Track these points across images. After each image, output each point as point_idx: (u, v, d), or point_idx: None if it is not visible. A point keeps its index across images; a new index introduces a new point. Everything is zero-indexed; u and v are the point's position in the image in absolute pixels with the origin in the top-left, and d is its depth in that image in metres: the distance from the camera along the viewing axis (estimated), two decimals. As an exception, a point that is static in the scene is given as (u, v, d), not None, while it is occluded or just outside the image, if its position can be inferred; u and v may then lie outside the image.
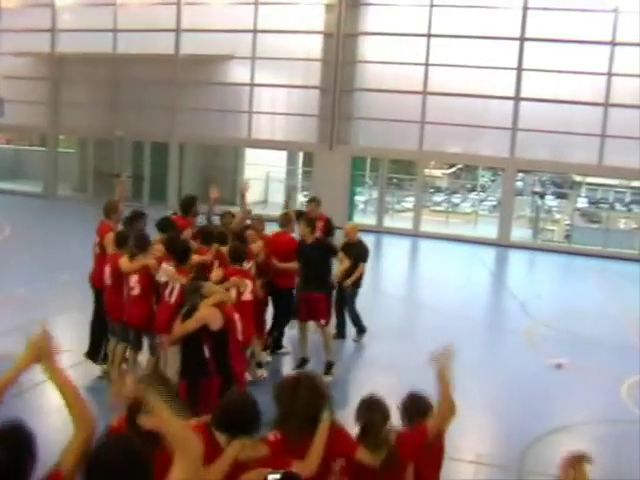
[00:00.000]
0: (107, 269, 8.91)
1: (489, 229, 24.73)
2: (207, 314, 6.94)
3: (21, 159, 33.93)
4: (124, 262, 8.62)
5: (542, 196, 30.97)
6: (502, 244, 22.88)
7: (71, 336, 10.23)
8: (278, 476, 3.61)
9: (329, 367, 9.87)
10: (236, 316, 7.36)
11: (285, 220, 10.58)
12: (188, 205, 10.71)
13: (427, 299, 15.73)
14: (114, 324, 9.09)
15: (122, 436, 3.38)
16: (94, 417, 3.30)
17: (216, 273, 8.67)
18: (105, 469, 2.83)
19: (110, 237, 9.13)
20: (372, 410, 4.69)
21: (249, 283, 8.71)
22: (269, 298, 10.34)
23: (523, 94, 22.64)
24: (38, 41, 27.67)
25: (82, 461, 3.05)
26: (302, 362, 10.06)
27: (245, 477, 3.88)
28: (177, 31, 26.19)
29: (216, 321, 6.94)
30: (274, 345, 10.82)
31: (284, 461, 4.13)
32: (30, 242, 10.49)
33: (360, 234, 11.76)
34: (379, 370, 10.32)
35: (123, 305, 8.78)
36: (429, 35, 23.38)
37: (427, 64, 23.49)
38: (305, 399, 4.33)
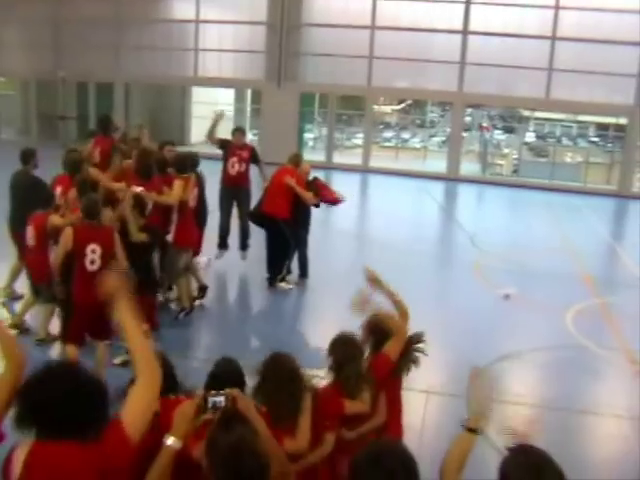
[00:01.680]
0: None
1: (438, 164, 24.87)
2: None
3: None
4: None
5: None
6: (451, 178, 23.06)
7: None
8: (220, 399, 3.55)
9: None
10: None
11: None
12: (107, 123, 11.06)
13: (377, 234, 15.83)
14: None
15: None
16: (159, 370, 3.10)
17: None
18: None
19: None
20: (347, 345, 4.76)
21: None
22: None
23: (471, 28, 22.60)
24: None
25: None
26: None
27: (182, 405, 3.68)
28: (118, -34, 25.44)
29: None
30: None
31: (274, 434, 4.08)
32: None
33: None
34: (328, 308, 10.43)
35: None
36: (376, -32, 23.08)
37: (375, -2, 23.24)
38: (288, 375, 4.28)
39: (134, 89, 26.77)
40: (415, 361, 5.05)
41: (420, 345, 5.06)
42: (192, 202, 9.47)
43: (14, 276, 9.76)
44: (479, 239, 14.99)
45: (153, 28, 25.71)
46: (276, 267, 11.14)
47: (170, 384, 3.99)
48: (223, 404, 3.41)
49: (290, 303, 11.03)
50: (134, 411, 2.93)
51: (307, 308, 11.16)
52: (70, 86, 26.61)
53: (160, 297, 9.59)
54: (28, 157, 9.67)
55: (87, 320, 7.12)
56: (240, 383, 3.99)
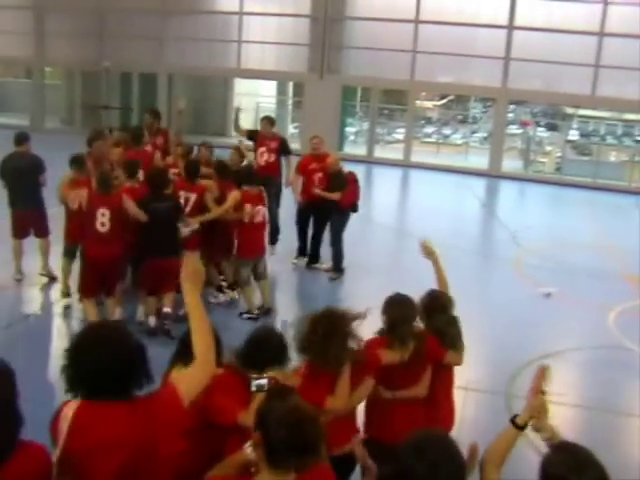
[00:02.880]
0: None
1: (480, 160, 24.63)
2: None
3: (6, 92, 33.35)
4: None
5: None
6: (493, 175, 22.82)
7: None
8: (264, 381, 3.60)
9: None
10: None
11: None
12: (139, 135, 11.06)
13: (417, 228, 15.68)
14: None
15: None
16: (214, 356, 3.23)
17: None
18: None
19: None
20: (403, 305, 4.83)
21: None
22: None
23: (517, 23, 22.30)
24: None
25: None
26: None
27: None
28: (164, -42, 25.58)
29: None
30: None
31: (316, 394, 4.09)
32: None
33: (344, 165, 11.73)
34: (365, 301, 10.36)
35: None
36: (421, -38, 22.90)
37: (419, -9, 23.06)
38: (340, 330, 4.30)
39: (177, 79, 26.91)
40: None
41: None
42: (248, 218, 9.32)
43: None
44: (520, 236, 14.83)
45: (197, 19, 25.79)
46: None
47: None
48: (266, 387, 3.51)
49: (328, 292, 11.00)
50: (187, 385, 3.07)
51: (346, 298, 11.10)
52: (114, 76, 26.83)
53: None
54: (21, 140, 10.34)
55: (96, 276, 8.41)
56: (280, 350, 3.99)
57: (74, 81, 28.63)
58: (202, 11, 25.79)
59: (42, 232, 10.35)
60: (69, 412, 2.89)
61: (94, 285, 8.51)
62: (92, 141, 10.19)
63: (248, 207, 9.17)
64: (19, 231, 10.31)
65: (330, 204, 11.04)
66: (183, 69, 25.94)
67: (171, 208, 8.72)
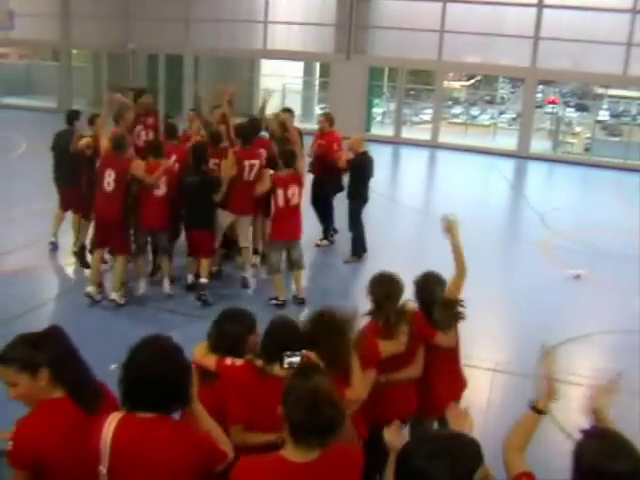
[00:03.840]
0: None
1: (508, 141, 24.40)
2: None
3: (34, 74, 33.56)
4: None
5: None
6: (521, 156, 22.59)
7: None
8: (296, 359, 3.57)
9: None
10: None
11: None
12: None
13: (443, 210, 15.56)
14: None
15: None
16: None
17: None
18: None
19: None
20: (388, 283, 4.86)
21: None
22: None
23: (546, 1, 21.96)
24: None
25: None
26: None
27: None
28: (189, -61, 25.51)
29: None
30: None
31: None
32: (46, 156, 10.59)
33: (368, 146, 11.68)
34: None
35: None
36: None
37: (447, -30, 22.79)
38: (338, 327, 4.24)
39: (203, 61, 26.91)
40: (458, 318, 5.00)
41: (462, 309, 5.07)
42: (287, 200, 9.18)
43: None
44: (549, 218, 14.66)
45: (222, 1, 25.73)
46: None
47: (230, 345, 4.07)
48: (297, 365, 3.49)
49: (352, 275, 10.95)
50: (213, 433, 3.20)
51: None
52: (140, 58, 26.88)
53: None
54: (71, 118, 10.61)
55: (101, 231, 8.92)
56: (296, 341, 3.96)
57: (101, 63, 28.79)
58: (228, -8, 25.70)
59: (81, 211, 10.44)
60: (112, 424, 3.00)
61: (99, 238, 9.08)
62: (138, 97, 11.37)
63: (281, 189, 9.01)
64: (63, 205, 10.80)
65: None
66: (209, 50, 25.91)
67: (201, 183, 9.01)
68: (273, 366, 3.82)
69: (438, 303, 4.96)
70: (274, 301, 9.31)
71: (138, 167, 8.74)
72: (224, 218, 9.51)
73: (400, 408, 4.77)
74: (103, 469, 2.97)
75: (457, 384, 5.28)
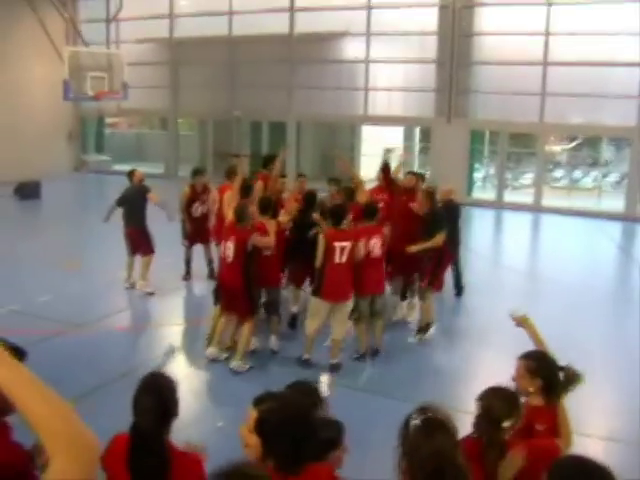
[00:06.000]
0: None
1: (614, 203, 23.80)
2: None
3: (143, 142, 35.03)
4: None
5: None
6: (629, 218, 21.95)
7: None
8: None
9: None
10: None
11: None
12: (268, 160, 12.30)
13: (550, 272, 15.25)
14: None
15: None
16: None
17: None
18: None
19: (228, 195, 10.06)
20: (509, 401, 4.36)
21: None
22: None
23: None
24: (157, 27, 28.48)
25: None
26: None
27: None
28: (291, 10, 26.33)
29: None
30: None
31: None
32: (156, 219, 11.15)
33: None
34: (497, 341, 10.13)
35: None
36: (548, 4, 22.60)
37: (547, 33, 22.72)
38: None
39: (305, 127, 27.46)
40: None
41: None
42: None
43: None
44: (663, 281, 14.14)
45: (324, 68, 26.35)
46: None
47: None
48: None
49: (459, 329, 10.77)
50: None
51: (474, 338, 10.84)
52: (244, 125, 27.66)
53: None
54: (130, 176, 12.46)
55: (226, 297, 9.07)
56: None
57: (206, 130, 29.76)
58: (329, 60, 26.30)
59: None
60: None
61: (225, 303, 9.18)
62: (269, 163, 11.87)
63: (362, 241, 9.04)
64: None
65: None
66: (311, 117, 26.47)
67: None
68: None
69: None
70: (355, 355, 9.59)
71: (258, 239, 8.91)
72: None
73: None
74: None
75: None
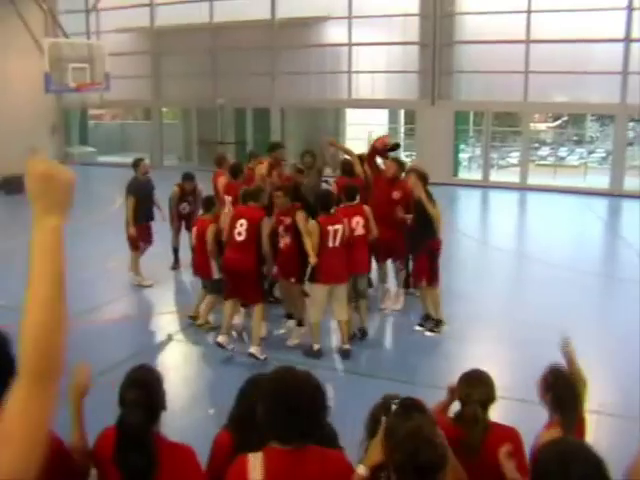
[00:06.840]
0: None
1: (600, 180, 23.85)
2: None
3: (127, 133, 34.89)
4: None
5: None
6: (615, 194, 22.01)
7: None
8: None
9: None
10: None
11: None
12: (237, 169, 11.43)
13: (537, 251, 15.27)
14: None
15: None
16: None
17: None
18: None
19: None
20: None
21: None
22: None
23: (635, 35, 21.54)
24: (138, 16, 28.26)
25: None
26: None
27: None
28: (272, -5, 26.23)
29: None
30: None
31: None
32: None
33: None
34: (487, 325, 10.18)
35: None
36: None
37: (529, 10, 22.66)
38: None
39: (289, 113, 27.38)
40: None
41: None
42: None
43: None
44: (649, 255, 14.19)
45: (306, 53, 26.26)
46: None
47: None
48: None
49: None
50: None
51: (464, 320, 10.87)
52: (228, 112, 27.55)
53: None
54: (136, 165, 12.52)
55: (235, 285, 8.84)
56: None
57: (190, 119, 29.64)
58: (312, 44, 26.21)
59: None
60: (255, 462, 2.98)
61: (231, 289, 8.99)
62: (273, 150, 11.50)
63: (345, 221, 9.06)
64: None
65: None
66: (295, 102, 26.38)
67: None
68: None
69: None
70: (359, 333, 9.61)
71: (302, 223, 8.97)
72: None
73: None
74: None
75: None
